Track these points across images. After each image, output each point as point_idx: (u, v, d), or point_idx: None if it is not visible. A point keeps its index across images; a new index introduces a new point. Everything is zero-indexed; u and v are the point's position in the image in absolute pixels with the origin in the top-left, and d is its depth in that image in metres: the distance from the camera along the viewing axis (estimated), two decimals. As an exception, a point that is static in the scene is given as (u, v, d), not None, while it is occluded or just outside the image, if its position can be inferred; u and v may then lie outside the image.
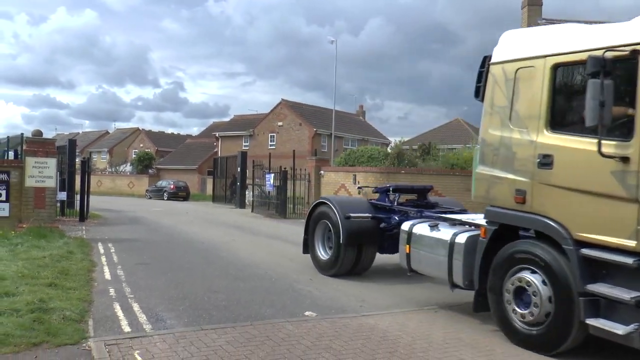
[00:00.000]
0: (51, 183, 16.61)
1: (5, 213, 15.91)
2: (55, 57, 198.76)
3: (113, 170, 69.34)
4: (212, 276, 10.71)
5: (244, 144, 56.17)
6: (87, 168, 22.91)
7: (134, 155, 70.08)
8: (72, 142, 22.60)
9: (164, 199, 48.03)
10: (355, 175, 24.19)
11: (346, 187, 24.82)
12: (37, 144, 16.74)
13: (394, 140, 35.20)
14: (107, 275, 10.52)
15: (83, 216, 21.47)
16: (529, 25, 25.82)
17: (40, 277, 9.40)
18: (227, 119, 69.21)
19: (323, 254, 11.24)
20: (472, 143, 31.55)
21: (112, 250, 13.91)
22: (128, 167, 69.40)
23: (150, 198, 50.06)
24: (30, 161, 16.40)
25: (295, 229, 21.25)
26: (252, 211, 31.03)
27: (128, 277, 10.37)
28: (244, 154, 38.11)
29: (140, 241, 15.94)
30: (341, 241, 10.42)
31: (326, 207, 11.00)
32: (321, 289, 9.85)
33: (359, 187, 23.64)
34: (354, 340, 6.90)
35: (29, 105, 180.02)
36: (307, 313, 8.13)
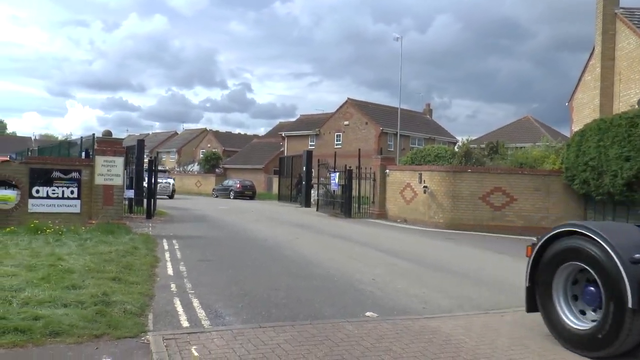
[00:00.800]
0: (119, 181, 17.09)
1: (77, 210, 16.49)
2: (128, 61, 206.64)
3: (181, 169, 71.20)
4: (273, 274, 10.67)
5: (309, 143, 56.41)
6: (154, 167, 23.45)
7: (201, 155, 71.79)
8: (141, 142, 23.22)
9: (230, 198, 48.88)
10: (420, 174, 23.74)
11: (412, 186, 24.43)
12: (106, 144, 17.27)
13: (461, 139, 34.44)
14: (170, 271, 10.64)
15: (150, 213, 22.02)
16: (605, 17, 24.56)
17: (106, 271, 9.62)
18: (293, 119, 69.73)
19: (573, 319, 6.84)
20: (542, 141, 30.38)
21: (176, 246, 14.11)
22: (196, 167, 71.13)
23: (217, 197, 51.02)
24: (99, 160, 16.94)
25: (359, 229, 21.03)
26: (317, 210, 31.08)
27: (190, 273, 10.46)
28: (309, 153, 38.25)
29: (204, 238, 16.13)
30: (629, 303, 6.01)
31: (581, 241, 6.59)
32: (383, 289, 9.64)
33: (424, 187, 23.19)
34: (415, 343, 6.65)
35: (103, 108, 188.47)
36: (368, 314, 7.94)
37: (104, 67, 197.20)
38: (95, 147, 17.20)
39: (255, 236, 17.20)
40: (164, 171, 45.50)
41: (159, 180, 37.11)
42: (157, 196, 33.62)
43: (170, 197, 40.85)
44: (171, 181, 42.74)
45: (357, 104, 53.82)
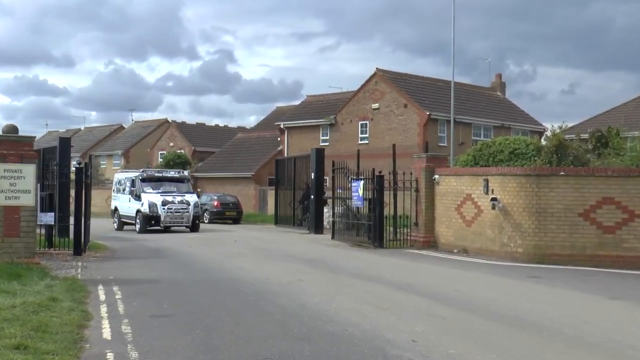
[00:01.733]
0: (28, 200, 17.16)
1: (-39, 244, 16.67)
2: (46, 22, 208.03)
3: (130, 181, 71.62)
4: (262, 335, 10.62)
5: (321, 137, 56.47)
6: (86, 177, 23.51)
7: (160, 159, 72.22)
8: (65, 142, 23.46)
9: (204, 222, 48.94)
10: (486, 181, 23.60)
11: (474, 198, 24.29)
12: (8, 145, 17.37)
13: (551, 126, 34.10)
14: (107, 333, 10.62)
15: (79, 247, 22.08)
16: None
17: (4, 336, 9.55)
18: (297, 102, 69.92)
19: None
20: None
21: (118, 296, 14.12)
22: (152, 176, 71.39)
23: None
24: (-4, 169, 17.11)
25: (394, 265, 20.92)
26: (332, 237, 31.08)
27: (137, 336, 10.44)
28: (320, 153, 38.27)
29: (162, 283, 16.13)
30: None
31: None
32: (429, 356, 9.53)
33: (493, 199, 23.05)
34: None
35: (10, 92, 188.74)
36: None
37: (8, 30, 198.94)
38: (-10, 150, 17.31)
39: (238, 278, 17.16)
40: (179, 180, 38.97)
41: (169, 196, 36.29)
42: (174, 225, 36.94)
43: (192, 227, 36.89)
44: (192, 199, 37.67)
45: (391, 77, 53.86)
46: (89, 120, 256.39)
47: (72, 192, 23.51)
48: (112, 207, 41.03)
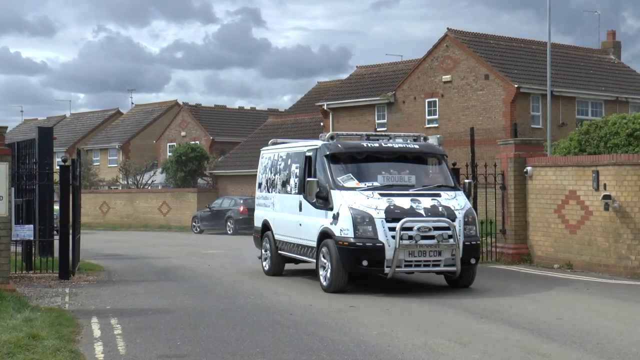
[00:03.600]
0: None
1: None
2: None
3: (131, 182, 72.09)
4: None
5: (376, 120, 56.25)
6: (74, 178, 23.60)
7: (169, 154, 72.53)
8: (46, 133, 23.58)
9: (227, 232, 49.11)
10: (596, 174, 23.31)
11: (579, 197, 24.00)
12: (-28, 138, 17.48)
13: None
14: (103, 381, 10.66)
15: (67, 269, 22.15)
16: None
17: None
18: (343, 76, 69.88)
19: None
20: None
21: (118, 330, 14.16)
22: (159, 175, 71.69)
23: (201, 231, 51.26)
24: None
25: (476, 284, 20.69)
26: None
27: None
28: (374, 141, 38.04)
29: (174, 313, 16.16)
30: None
31: None
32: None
33: (605, 197, 22.74)
34: None
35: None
36: None
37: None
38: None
39: (272, 305, 17.21)
40: (419, 159, 30.97)
41: (402, 198, 30.93)
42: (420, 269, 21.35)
43: (462, 276, 22.18)
44: (458, 203, 28.31)
45: (467, 40, 53.49)
46: (76, 104, 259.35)
47: (56, 198, 23.64)
48: (258, 222, 25.54)
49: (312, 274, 22.47)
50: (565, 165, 25.41)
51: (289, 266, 23.76)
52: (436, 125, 51.31)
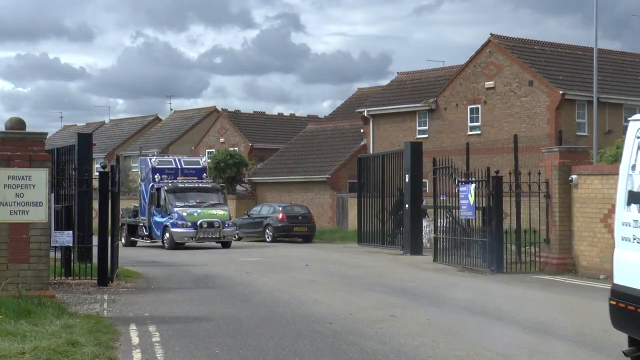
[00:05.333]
0: (39, 215, 17.36)
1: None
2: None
3: (169, 188, 72.39)
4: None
5: (417, 127, 56.24)
6: (113, 185, 23.75)
7: (207, 160, 72.77)
8: (85, 140, 23.73)
9: (266, 240, 49.22)
10: (646, 182, 23.19)
11: (627, 206, 23.88)
12: (13, 144, 17.53)
13: None
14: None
15: (105, 276, 22.30)
16: None
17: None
18: (384, 82, 69.85)
19: None
20: None
21: (156, 338, 14.25)
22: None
23: (240, 238, 51.23)
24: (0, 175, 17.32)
25: (521, 295, 20.63)
26: (434, 260, 31.06)
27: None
28: (416, 148, 38.04)
29: (212, 321, 16.22)
30: None
31: None
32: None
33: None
34: None
35: (13, 75, 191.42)
36: None
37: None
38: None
39: (312, 314, 17.23)
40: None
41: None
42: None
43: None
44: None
45: (511, 45, 53.30)
46: (115, 110, 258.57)
47: (96, 204, 23.75)
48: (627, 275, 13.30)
49: (355, 281, 22.46)
50: (612, 173, 25.18)
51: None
52: (478, 132, 51.19)
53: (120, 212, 42.95)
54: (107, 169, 23.57)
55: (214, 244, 42.88)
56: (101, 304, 18.53)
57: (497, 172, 27.52)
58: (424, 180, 37.97)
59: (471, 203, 28.02)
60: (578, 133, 48.16)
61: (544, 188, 26.97)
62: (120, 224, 41.49)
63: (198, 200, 43.39)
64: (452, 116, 54.09)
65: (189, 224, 41.50)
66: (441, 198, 32.03)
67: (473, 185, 28.11)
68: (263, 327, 15.55)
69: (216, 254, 37.16)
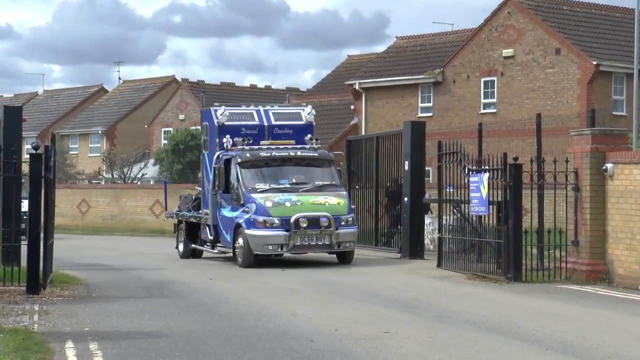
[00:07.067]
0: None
1: None
2: None
3: (117, 175, 72.27)
4: None
5: (420, 104, 56.43)
6: (47, 169, 23.64)
7: (164, 141, 72.74)
8: (13, 114, 23.66)
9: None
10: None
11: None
12: None
13: None
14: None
15: (36, 281, 22.20)
16: None
17: None
18: (379, 49, 69.86)
19: None
20: None
21: (98, 359, 14.20)
22: (151, 168, 71.91)
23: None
24: None
25: (542, 309, 20.72)
26: (438, 265, 31.19)
27: None
28: (418, 128, 37.99)
29: (168, 337, 16.19)
30: None
31: None
32: None
33: None
34: None
35: None
36: None
37: None
38: None
39: (289, 329, 17.28)
40: None
41: None
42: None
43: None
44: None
45: (534, 5, 53.45)
46: (51, 79, 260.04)
47: (25, 193, 23.66)
48: None
49: (343, 289, 22.54)
50: (655, 161, 25.31)
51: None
52: (494, 110, 51.43)
53: (179, 202, 40.57)
54: (40, 151, 23.43)
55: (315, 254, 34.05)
56: (31, 316, 18.50)
57: (515, 158, 27.46)
58: (426, 169, 37.90)
59: (484, 196, 28.00)
60: (615, 112, 48.35)
61: (572, 179, 26.90)
62: (177, 221, 38.66)
63: (294, 180, 33.05)
64: (461, 90, 54.24)
65: (276, 221, 30.90)
66: (447, 190, 31.99)
67: (486, 175, 28.08)
68: (229, 346, 15.53)
69: (172, 255, 37.03)
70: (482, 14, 50.89)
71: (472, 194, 28.89)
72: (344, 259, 32.71)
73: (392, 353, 14.99)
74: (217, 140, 33.82)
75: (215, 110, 34.97)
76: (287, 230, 30.40)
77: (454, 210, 31.07)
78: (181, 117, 76.55)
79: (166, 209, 42.80)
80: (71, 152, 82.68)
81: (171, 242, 42.09)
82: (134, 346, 15.32)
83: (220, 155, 32.97)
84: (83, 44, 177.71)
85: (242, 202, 31.39)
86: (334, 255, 33.29)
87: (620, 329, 18.03)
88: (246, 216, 30.86)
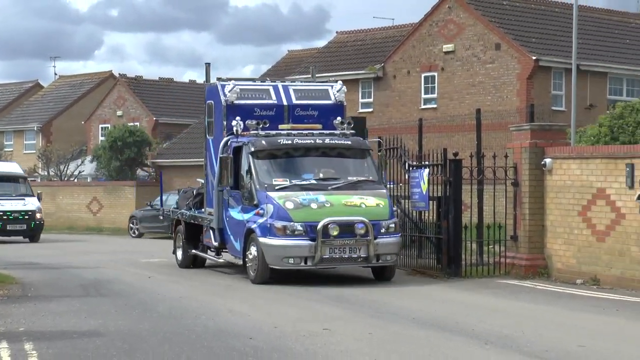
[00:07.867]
0: None
1: None
2: None
3: (53, 172, 71.68)
4: None
5: (360, 99, 56.40)
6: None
7: (102, 138, 72.31)
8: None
9: (172, 236, 48.96)
10: (632, 167, 23.43)
11: (609, 196, 24.09)
12: None
13: None
14: None
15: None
16: None
17: None
18: (320, 44, 69.79)
19: None
20: None
21: (33, 359, 14.11)
22: (88, 166, 71.42)
23: (140, 234, 51.18)
24: None
25: (482, 304, 20.89)
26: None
27: None
28: (358, 124, 37.86)
29: (105, 336, 16.09)
30: None
31: None
32: None
33: (640, 197, 22.59)
34: None
35: None
36: None
37: None
38: None
39: (228, 327, 17.27)
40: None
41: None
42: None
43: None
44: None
45: (474, 0, 53.59)
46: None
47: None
48: None
49: (284, 286, 22.59)
50: (593, 157, 25.48)
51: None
52: (434, 105, 51.56)
53: (176, 198, 35.48)
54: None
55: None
56: (-39, 316, 18.39)
57: (455, 154, 27.60)
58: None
59: (424, 192, 28.04)
60: (554, 108, 48.63)
61: (511, 174, 27.04)
62: (172, 220, 34.45)
63: (322, 175, 26.99)
64: (402, 86, 54.32)
65: (299, 228, 24.95)
66: (390, 184, 32.03)
67: (426, 171, 28.14)
68: (168, 344, 15.48)
69: (110, 254, 36.94)
70: (423, 9, 51.61)
71: (412, 190, 28.97)
72: (384, 275, 26.47)
73: (332, 350, 15.01)
74: (225, 123, 28.09)
75: (223, 86, 28.80)
76: (312, 240, 24.50)
77: (397, 203, 31.19)
78: (119, 113, 76.09)
79: (161, 205, 38.22)
80: (6, 149, 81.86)
81: (108, 239, 42.02)
82: (71, 346, 15.23)
83: (229, 142, 27.62)
84: (17, 38, 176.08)
85: (255, 202, 25.71)
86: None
87: (559, 324, 18.17)
88: (260, 220, 25.20)
